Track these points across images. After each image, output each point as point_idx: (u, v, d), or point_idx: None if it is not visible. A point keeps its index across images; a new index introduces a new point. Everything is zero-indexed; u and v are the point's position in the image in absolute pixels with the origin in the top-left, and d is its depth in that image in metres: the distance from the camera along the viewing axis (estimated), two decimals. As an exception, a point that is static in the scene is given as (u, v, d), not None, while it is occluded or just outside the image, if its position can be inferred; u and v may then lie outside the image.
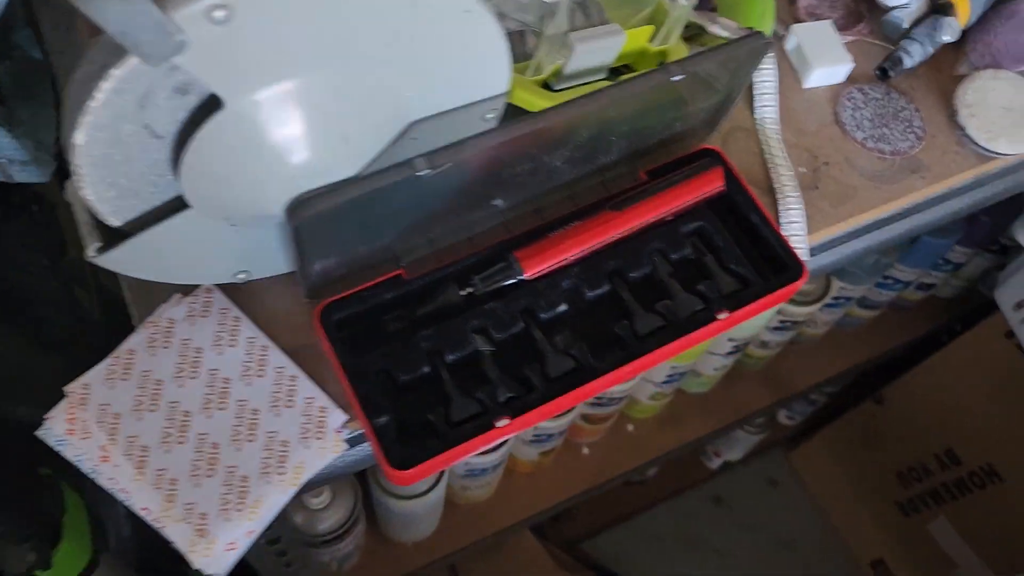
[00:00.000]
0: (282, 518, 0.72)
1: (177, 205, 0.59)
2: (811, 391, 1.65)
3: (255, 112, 0.52)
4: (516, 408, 0.66)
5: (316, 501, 1.12)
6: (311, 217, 0.56)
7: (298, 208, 0.56)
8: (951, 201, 0.88)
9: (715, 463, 2.07)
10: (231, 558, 0.64)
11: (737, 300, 0.72)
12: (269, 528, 0.65)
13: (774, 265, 0.75)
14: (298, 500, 0.92)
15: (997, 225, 1.39)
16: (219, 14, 0.46)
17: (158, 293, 0.71)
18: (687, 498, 2.13)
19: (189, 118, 0.53)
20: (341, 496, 1.15)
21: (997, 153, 0.85)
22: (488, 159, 0.63)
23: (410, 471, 0.63)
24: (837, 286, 1.39)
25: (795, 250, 0.74)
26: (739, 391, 1.58)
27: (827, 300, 1.40)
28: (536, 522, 1.53)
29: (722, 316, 0.70)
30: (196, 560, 0.63)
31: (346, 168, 0.58)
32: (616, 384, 0.69)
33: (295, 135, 0.54)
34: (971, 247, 1.46)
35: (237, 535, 0.63)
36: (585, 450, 1.53)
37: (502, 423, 0.65)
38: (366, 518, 1.27)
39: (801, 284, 0.73)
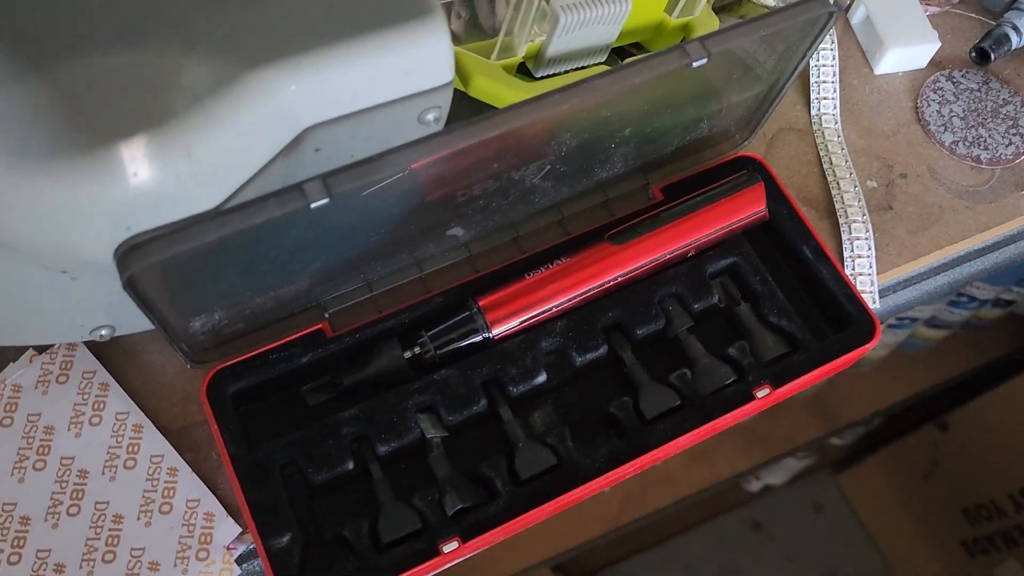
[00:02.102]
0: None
1: (-30, 247, 0.41)
2: (865, 422, 1.47)
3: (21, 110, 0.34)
4: (470, 525, 0.48)
5: None
6: (150, 268, 0.38)
7: (128, 256, 0.38)
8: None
9: (755, 486, 1.91)
10: None
11: (782, 369, 0.53)
12: None
13: (833, 317, 0.56)
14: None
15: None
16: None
17: (8, 349, 0.54)
18: (723, 523, 1.99)
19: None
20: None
21: None
22: (431, 177, 0.45)
23: (313, 620, 0.45)
24: (901, 306, 1.20)
25: (862, 297, 0.54)
26: (783, 421, 1.41)
27: (890, 320, 1.21)
28: (551, 565, 1.37)
29: (761, 394, 0.52)
30: None
31: (203, 195, 0.39)
32: (610, 485, 0.51)
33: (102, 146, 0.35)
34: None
35: None
36: (605, 488, 1.35)
37: (449, 547, 0.47)
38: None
39: (871, 346, 0.53)
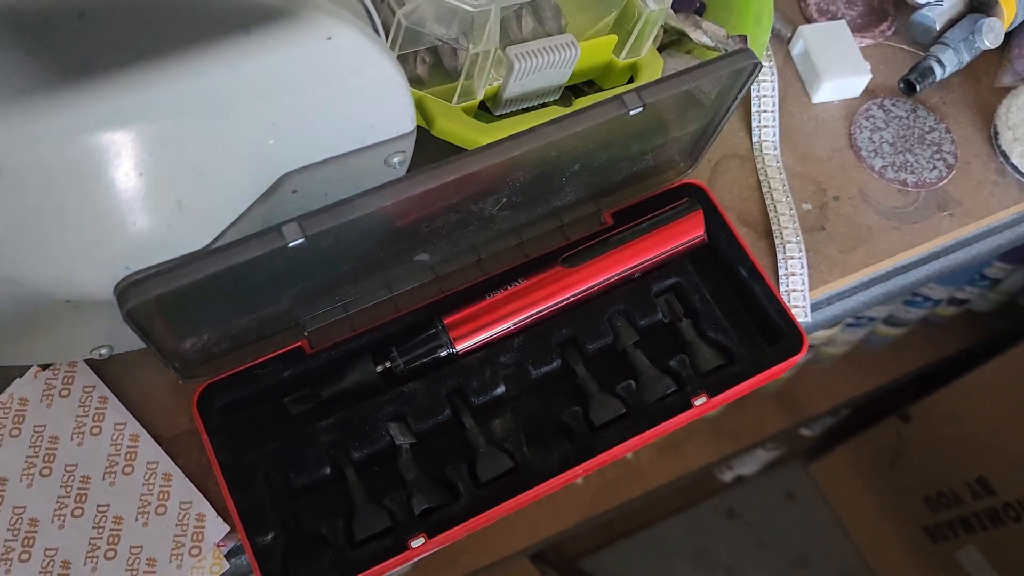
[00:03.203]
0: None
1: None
2: (831, 412, 1.51)
3: (45, 176, 0.39)
4: (435, 523, 0.53)
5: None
6: (146, 302, 0.43)
7: (127, 292, 0.43)
8: (989, 239, 0.73)
9: (728, 476, 1.95)
10: None
11: (718, 380, 0.58)
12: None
13: (766, 332, 0.61)
14: None
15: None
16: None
17: (14, 366, 0.58)
18: (698, 512, 2.01)
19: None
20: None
21: (1047, 185, 0.70)
22: (397, 213, 0.50)
23: (295, 608, 0.50)
24: (859, 306, 1.25)
25: (793, 313, 0.60)
26: (750, 415, 1.46)
27: (848, 320, 1.26)
28: (528, 554, 1.41)
29: (698, 402, 0.57)
30: None
31: (192, 238, 0.45)
32: (562, 486, 0.56)
33: (106, 202, 0.40)
34: (1012, 263, 1.30)
35: None
36: (579, 480, 1.40)
37: (416, 543, 0.52)
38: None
39: (799, 358, 0.59)
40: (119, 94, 0.37)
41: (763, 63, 0.70)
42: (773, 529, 2.06)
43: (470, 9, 0.51)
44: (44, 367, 0.59)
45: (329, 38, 0.39)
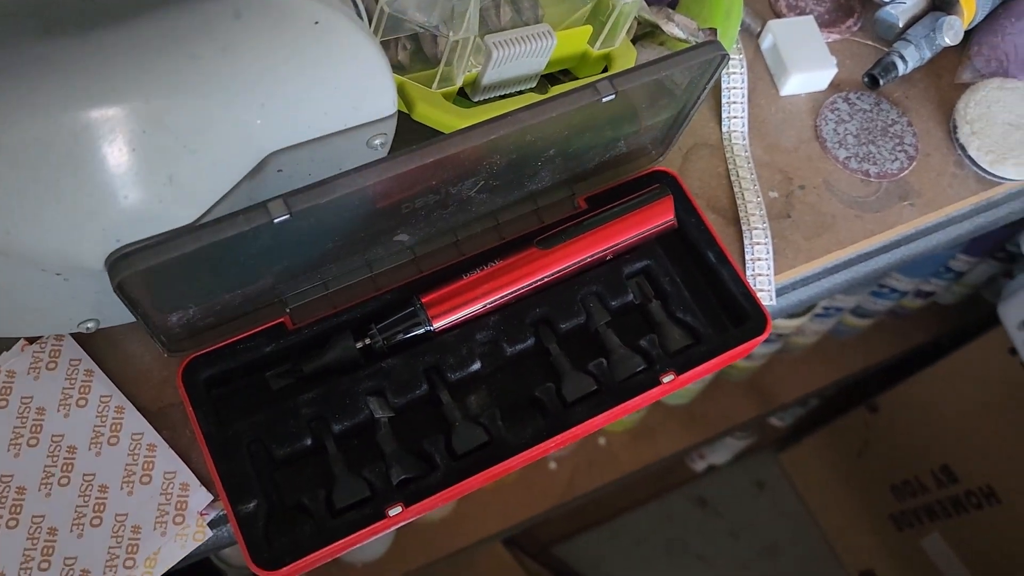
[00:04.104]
0: None
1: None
2: (800, 402, 1.54)
3: (42, 151, 0.40)
4: (412, 493, 0.55)
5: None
6: (136, 274, 0.45)
7: (118, 264, 0.45)
8: (949, 228, 0.76)
9: (700, 465, 1.98)
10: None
11: (685, 359, 0.60)
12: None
13: (732, 314, 0.63)
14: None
15: (1003, 232, 1.26)
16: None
17: (1, 339, 0.60)
18: (669, 500, 2.04)
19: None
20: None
21: (1002, 178, 0.73)
22: (378, 193, 0.52)
23: (277, 572, 0.52)
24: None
25: (758, 296, 0.62)
26: (721, 402, 1.48)
27: (817, 310, 1.29)
28: (502, 538, 1.43)
29: (666, 380, 0.59)
30: None
31: (181, 213, 0.46)
32: (535, 460, 0.58)
33: (100, 177, 0.42)
34: (975, 255, 1.34)
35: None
36: (553, 464, 1.43)
37: (394, 511, 0.54)
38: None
39: (763, 339, 0.61)
40: (116, 73, 0.39)
41: (733, 56, 0.73)
42: (743, 518, 2.08)
43: (451, -2, 0.53)
44: (31, 340, 0.60)
45: (316, 22, 0.41)
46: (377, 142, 0.52)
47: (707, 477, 2.02)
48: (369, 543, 1.18)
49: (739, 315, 0.63)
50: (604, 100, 0.52)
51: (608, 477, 1.44)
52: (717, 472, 2.01)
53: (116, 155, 0.42)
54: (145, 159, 0.42)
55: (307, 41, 0.42)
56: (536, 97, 0.62)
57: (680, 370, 0.60)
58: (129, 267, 0.44)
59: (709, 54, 0.54)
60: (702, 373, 0.61)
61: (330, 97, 0.46)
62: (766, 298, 0.66)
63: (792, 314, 1.25)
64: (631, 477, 1.48)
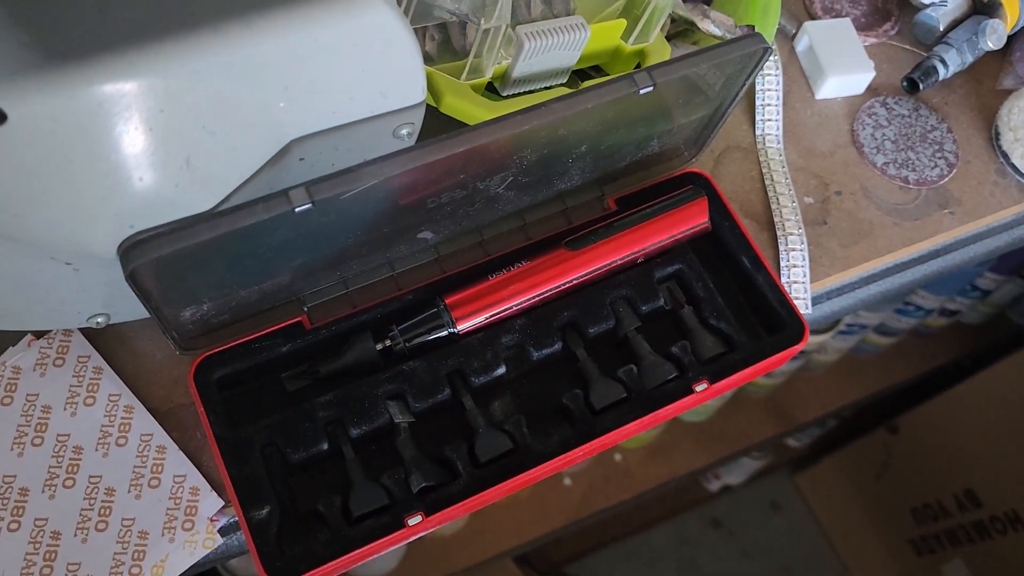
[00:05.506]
0: None
1: (-16, 240, 0.45)
2: (819, 422, 1.51)
3: (55, 128, 0.38)
4: (433, 502, 0.53)
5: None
6: (150, 263, 0.43)
7: (131, 251, 0.43)
8: (987, 240, 0.73)
9: (715, 485, 1.95)
10: None
11: (719, 367, 0.58)
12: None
13: (768, 321, 0.61)
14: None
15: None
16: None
17: (8, 334, 0.58)
18: (683, 520, 2.01)
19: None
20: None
21: (1046, 186, 0.70)
22: (403, 186, 0.50)
23: (289, 582, 0.50)
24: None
25: (795, 303, 0.60)
26: (739, 420, 1.45)
27: (840, 327, 1.26)
28: (513, 556, 1.40)
29: (700, 388, 0.57)
30: None
31: (199, 199, 0.44)
32: (561, 470, 0.56)
33: (114, 157, 0.40)
34: (1003, 274, 1.31)
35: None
36: (567, 480, 1.40)
37: (413, 520, 0.52)
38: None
39: (800, 348, 0.59)
40: (133, 46, 0.37)
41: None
42: (758, 539, 2.06)
43: (482, -16, 0.51)
44: (38, 336, 0.58)
45: (349, 1, 0.39)
46: (404, 132, 0.49)
47: (722, 497, 1.99)
48: (378, 558, 1.15)
49: (774, 323, 0.60)
50: (641, 92, 0.50)
51: (622, 495, 1.42)
52: (732, 492, 1.99)
53: (131, 134, 0.39)
54: (162, 139, 0.40)
55: (336, 19, 0.40)
56: (567, 91, 0.60)
57: (713, 379, 0.57)
58: (143, 255, 0.42)
59: (751, 47, 0.52)
60: (737, 382, 0.58)
61: (358, 81, 0.44)
62: (802, 306, 0.64)
63: (818, 329, 1.22)
64: (645, 496, 1.45)
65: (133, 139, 0.39)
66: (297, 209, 0.44)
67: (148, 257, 0.42)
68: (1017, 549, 1.48)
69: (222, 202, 0.45)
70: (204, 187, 0.43)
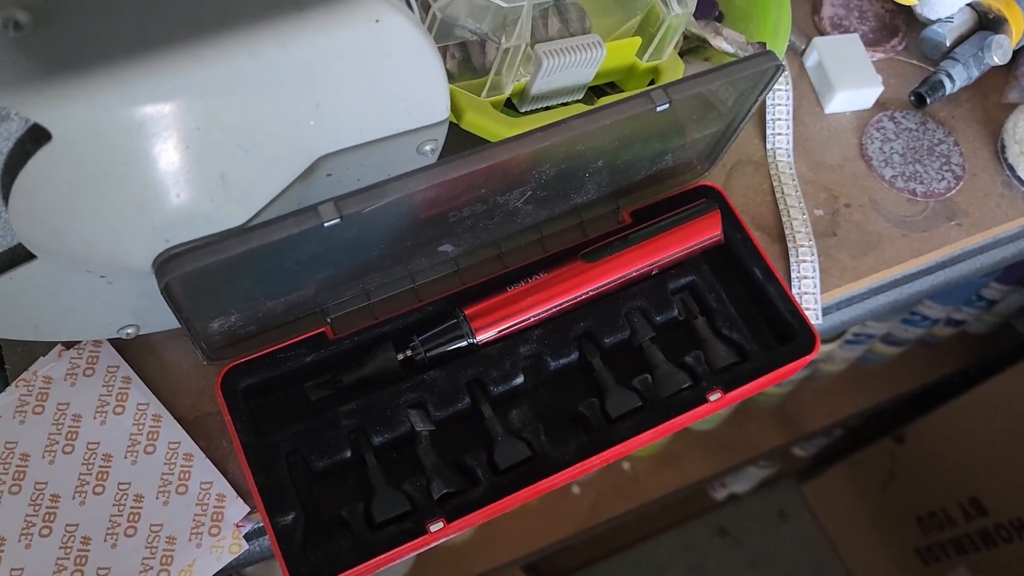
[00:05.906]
0: None
1: (24, 253, 0.47)
2: (825, 431, 1.52)
3: (97, 146, 0.40)
4: (453, 508, 0.54)
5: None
6: (184, 276, 0.44)
7: (166, 265, 0.44)
8: (993, 251, 0.74)
9: (721, 494, 1.96)
10: None
11: (732, 376, 0.59)
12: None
13: (778, 332, 0.62)
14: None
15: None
16: (22, 17, 0.33)
17: (39, 344, 0.59)
18: (690, 529, 2.02)
19: (14, 149, 0.41)
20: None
21: (1052, 199, 0.71)
22: (426, 201, 0.51)
23: (315, 587, 0.51)
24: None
25: (806, 314, 0.61)
26: (747, 429, 1.46)
27: (847, 337, 1.27)
28: (522, 564, 1.41)
29: (713, 397, 0.58)
30: None
31: (232, 214, 0.45)
32: (579, 477, 0.57)
33: (152, 174, 0.41)
34: (1008, 284, 1.32)
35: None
36: (576, 489, 1.41)
37: (435, 527, 0.53)
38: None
39: (812, 358, 0.60)
40: (174, 68, 0.38)
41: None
42: (765, 548, 2.06)
43: (503, 5, 0.53)
44: (68, 346, 0.59)
45: (377, 20, 0.41)
46: (428, 148, 0.51)
47: (728, 506, 2.00)
48: (388, 567, 1.16)
49: (786, 333, 0.62)
50: (658, 109, 0.51)
51: (631, 504, 1.42)
52: (739, 501, 1.99)
53: (170, 152, 0.41)
54: (198, 157, 0.41)
55: (366, 39, 0.42)
56: (585, 108, 0.61)
57: (727, 388, 0.58)
58: (178, 268, 0.44)
59: (764, 64, 0.53)
60: (750, 392, 0.60)
61: (384, 99, 0.46)
62: (812, 317, 0.65)
63: (825, 339, 1.23)
64: (653, 504, 1.46)
65: (171, 157, 0.41)
66: (326, 224, 0.45)
67: (183, 270, 0.44)
68: (1023, 557, 1.48)
69: (254, 217, 0.46)
70: (238, 202, 0.45)
